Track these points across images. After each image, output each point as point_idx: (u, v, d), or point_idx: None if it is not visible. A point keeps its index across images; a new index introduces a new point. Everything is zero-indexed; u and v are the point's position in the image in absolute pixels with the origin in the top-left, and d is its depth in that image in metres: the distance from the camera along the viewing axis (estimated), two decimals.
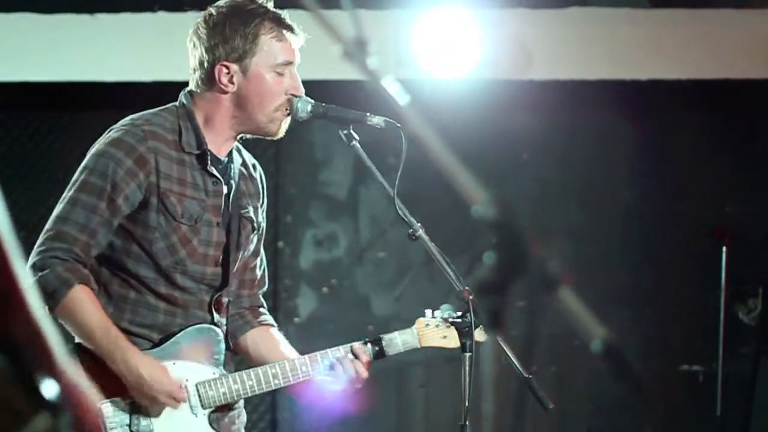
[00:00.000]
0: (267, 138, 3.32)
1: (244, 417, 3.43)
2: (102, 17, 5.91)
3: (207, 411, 3.25)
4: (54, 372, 1.35)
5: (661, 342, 6.26)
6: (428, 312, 3.38)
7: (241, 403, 3.41)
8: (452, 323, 3.28)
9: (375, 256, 6.32)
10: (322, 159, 6.33)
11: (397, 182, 3.17)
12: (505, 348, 3.16)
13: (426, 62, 5.89)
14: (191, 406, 3.23)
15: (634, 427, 6.24)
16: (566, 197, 6.31)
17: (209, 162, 3.24)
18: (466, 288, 3.13)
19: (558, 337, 5.85)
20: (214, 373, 3.27)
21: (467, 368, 3.17)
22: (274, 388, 3.31)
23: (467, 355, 3.18)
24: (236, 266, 3.35)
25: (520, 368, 3.12)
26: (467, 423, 3.14)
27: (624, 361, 1.47)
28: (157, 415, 3.20)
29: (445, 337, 3.36)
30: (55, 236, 3.12)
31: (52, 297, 3.09)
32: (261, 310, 3.52)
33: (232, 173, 3.32)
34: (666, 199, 6.31)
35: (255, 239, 3.42)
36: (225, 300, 3.34)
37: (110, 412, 3.18)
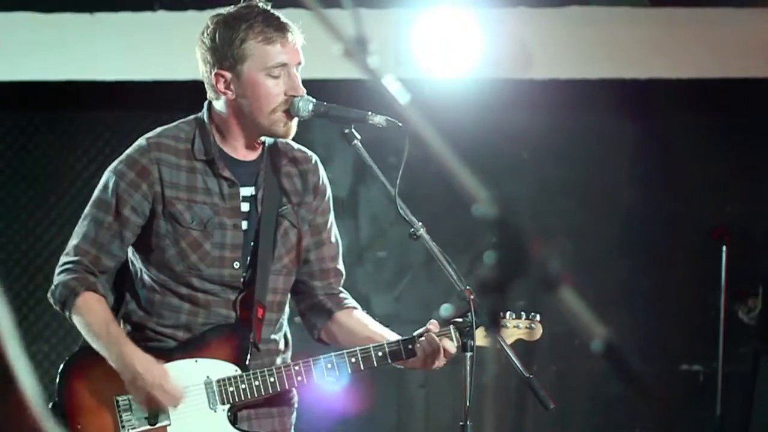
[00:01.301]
0: (277, 139, 3.37)
1: (293, 416, 3.47)
2: (102, 16, 5.90)
3: (227, 407, 3.28)
4: None
5: (661, 342, 6.24)
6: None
7: (294, 401, 3.46)
8: (454, 323, 3.29)
9: (375, 255, 6.31)
10: (322, 158, 6.26)
11: (398, 181, 3.17)
12: (505, 347, 3.16)
13: (426, 61, 5.88)
14: (209, 402, 3.28)
15: (634, 427, 6.23)
16: (566, 197, 6.31)
17: (220, 167, 3.29)
18: (467, 287, 3.13)
19: (558, 337, 5.83)
20: (236, 370, 3.30)
21: (468, 368, 3.17)
22: (297, 385, 3.32)
23: (468, 354, 3.19)
24: (279, 264, 3.37)
25: (520, 368, 3.11)
26: (468, 423, 3.14)
27: (624, 360, 1.46)
28: (175, 409, 3.26)
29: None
30: (69, 251, 3.35)
31: (64, 306, 3.31)
32: (341, 296, 3.52)
33: (261, 174, 3.35)
34: (666, 199, 6.30)
35: (300, 235, 3.42)
36: (266, 298, 3.35)
37: (129, 407, 3.27)
